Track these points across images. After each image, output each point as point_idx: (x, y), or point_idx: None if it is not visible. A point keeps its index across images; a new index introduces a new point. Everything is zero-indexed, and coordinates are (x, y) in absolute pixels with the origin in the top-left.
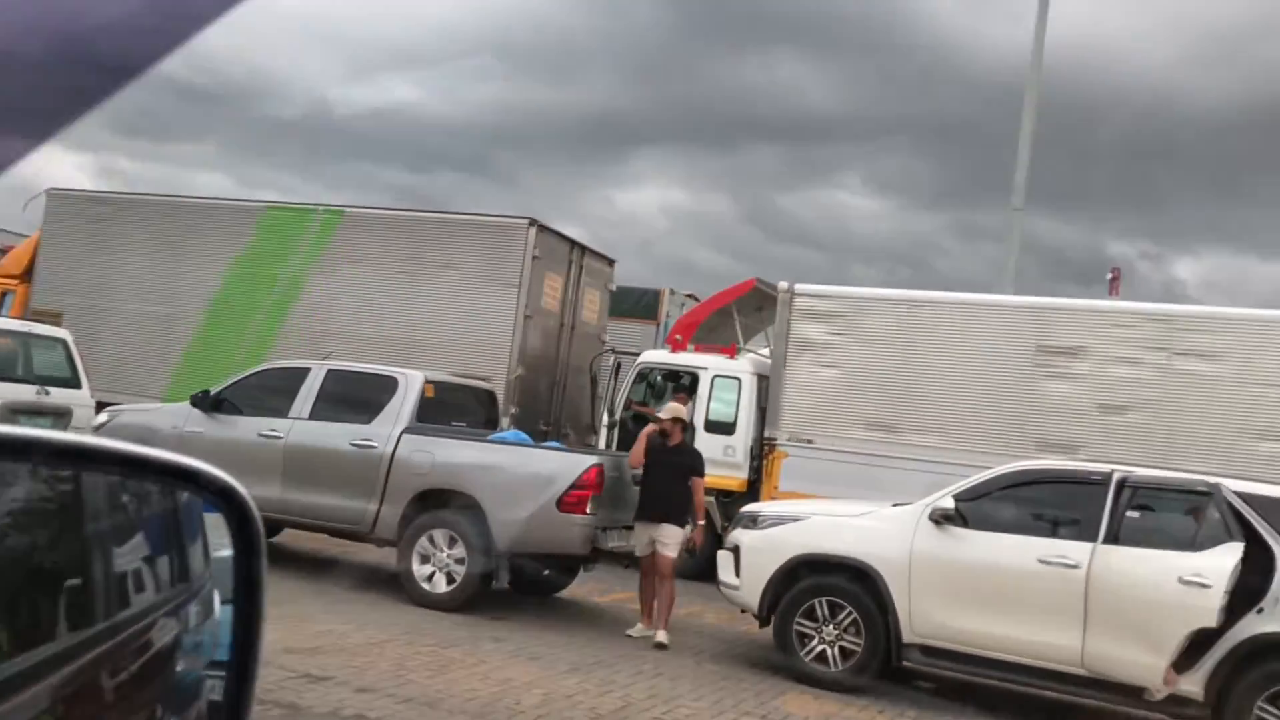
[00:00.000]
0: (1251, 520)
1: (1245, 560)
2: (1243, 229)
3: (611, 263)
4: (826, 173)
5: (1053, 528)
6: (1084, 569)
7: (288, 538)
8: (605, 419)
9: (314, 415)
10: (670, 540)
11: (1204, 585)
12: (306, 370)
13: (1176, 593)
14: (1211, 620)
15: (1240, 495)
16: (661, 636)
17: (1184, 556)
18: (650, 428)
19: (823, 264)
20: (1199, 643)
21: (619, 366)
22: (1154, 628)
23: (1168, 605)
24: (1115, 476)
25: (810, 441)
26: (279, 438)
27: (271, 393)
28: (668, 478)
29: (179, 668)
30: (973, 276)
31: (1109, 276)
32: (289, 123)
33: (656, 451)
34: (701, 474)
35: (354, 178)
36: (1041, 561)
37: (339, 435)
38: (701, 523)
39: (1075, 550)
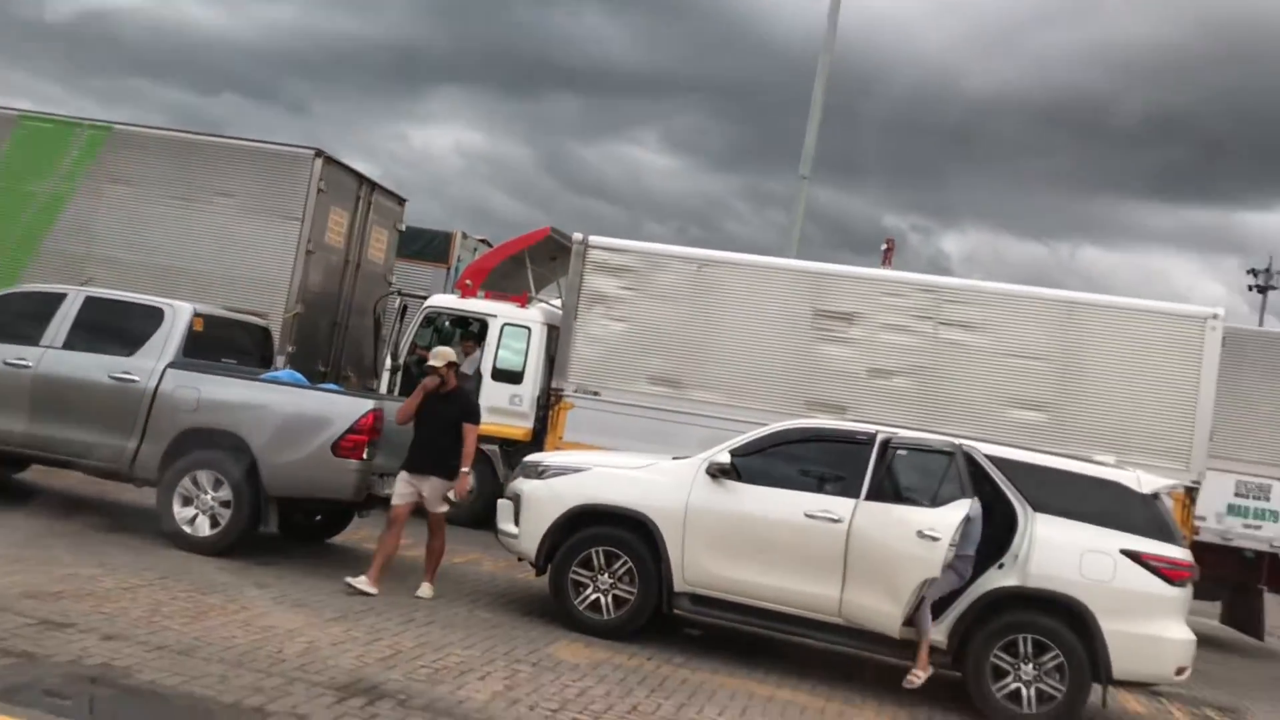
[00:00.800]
0: (999, 481)
1: (995, 519)
2: (1004, 209)
3: (402, 201)
4: (625, 127)
5: (820, 484)
6: (846, 523)
7: (36, 474)
8: (388, 363)
9: (69, 345)
10: (437, 495)
11: (934, 538)
12: (62, 296)
13: (914, 545)
14: (935, 571)
15: (991, 458)
16: (425, 590)
17: (924, 512)
18: (429, 381)
19: (617, 218)
20: (948, 596)
21: (405, 309)
22: (895, 579)
23: (906, 557)
24: (879, 437)
25: (597, 393)
26: (27, 366)
27: (21, 318)
28: (437, 427)
29: None
30: (761, 240)
31: (883, 247)
32: (54, 27)
33: (428, 399)
34: (475, 421)
35: (128, 93)
36: (808, 516)
37: (96, 367)
38: (467, 470)
39: (839, 505)
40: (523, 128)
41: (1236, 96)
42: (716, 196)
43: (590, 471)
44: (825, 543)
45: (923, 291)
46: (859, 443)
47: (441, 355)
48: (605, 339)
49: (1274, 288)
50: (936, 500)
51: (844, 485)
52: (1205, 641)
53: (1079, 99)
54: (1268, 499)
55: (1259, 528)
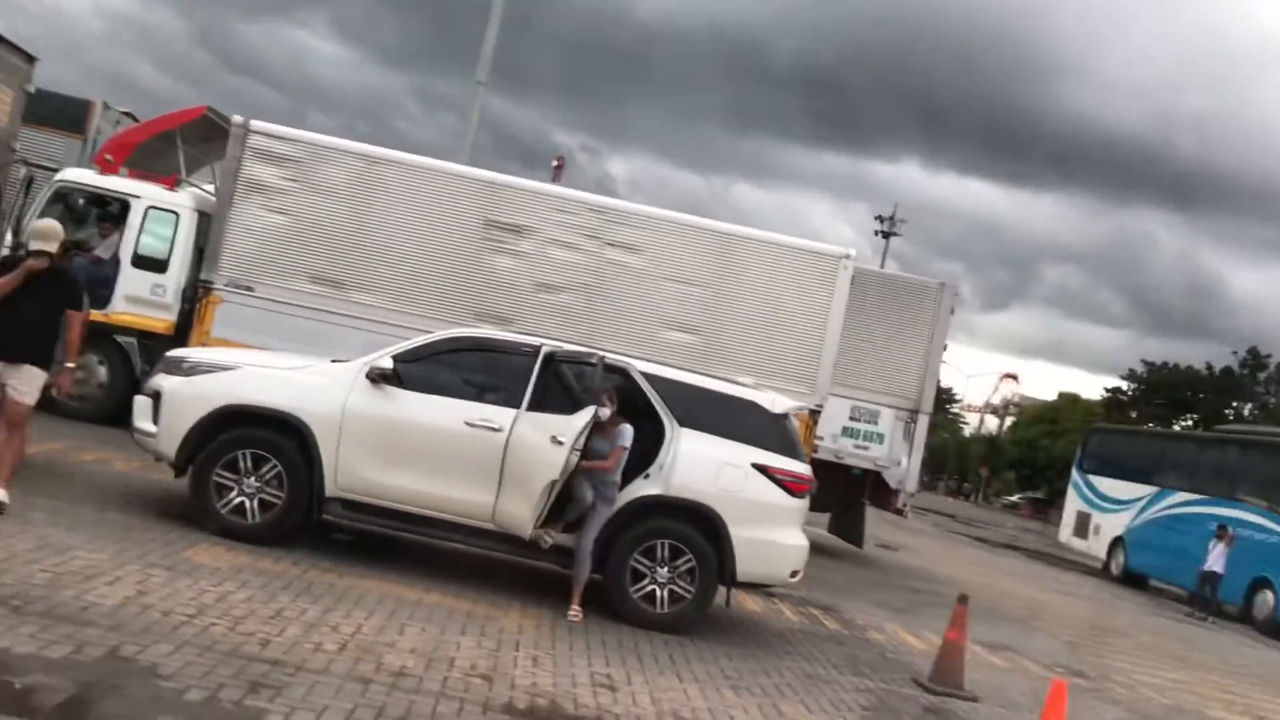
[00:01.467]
0: (651, 397)
1: (647, 433)
2: (668, 139)
3: (31, 60)
4: (291, 7)
5: (482, 393)
6: (506, 433)
7: None
8: (8, 240)
9: None
10: (30, 386)
11: (560, 443)
12: None
13: (547, 450)
14: (555, 473)
15: (645, 375)
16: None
17: (561, 420)
18: (33, 263)
19: (278, 103)
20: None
21: (31, 181)
22: (531, 482)
23: (541, 463)
24: (544, 349)
25: (250, 289)
26: None
27: None
28: (37, 311)
29: None
30: (431, 143)
31: (554, 164)
32: None
33: (29, 279)
34: (79, 306)
35: None
36: (469, 424)
37: None
38: (72, 364)
39: (500, 415)
40: None
41: (877, 56)
42: (387, 93)
43: (240, 370)
44: (484, 450)
45: (592, 211)
46: (523, 355)
47: (49, 234)
48: (263, 231)
49: (896, 234)
50: (573, 409)
51: (506, 395)
52: (814, 549)
53: (741, 39)
54: (876, 423)
55: (867, 449)
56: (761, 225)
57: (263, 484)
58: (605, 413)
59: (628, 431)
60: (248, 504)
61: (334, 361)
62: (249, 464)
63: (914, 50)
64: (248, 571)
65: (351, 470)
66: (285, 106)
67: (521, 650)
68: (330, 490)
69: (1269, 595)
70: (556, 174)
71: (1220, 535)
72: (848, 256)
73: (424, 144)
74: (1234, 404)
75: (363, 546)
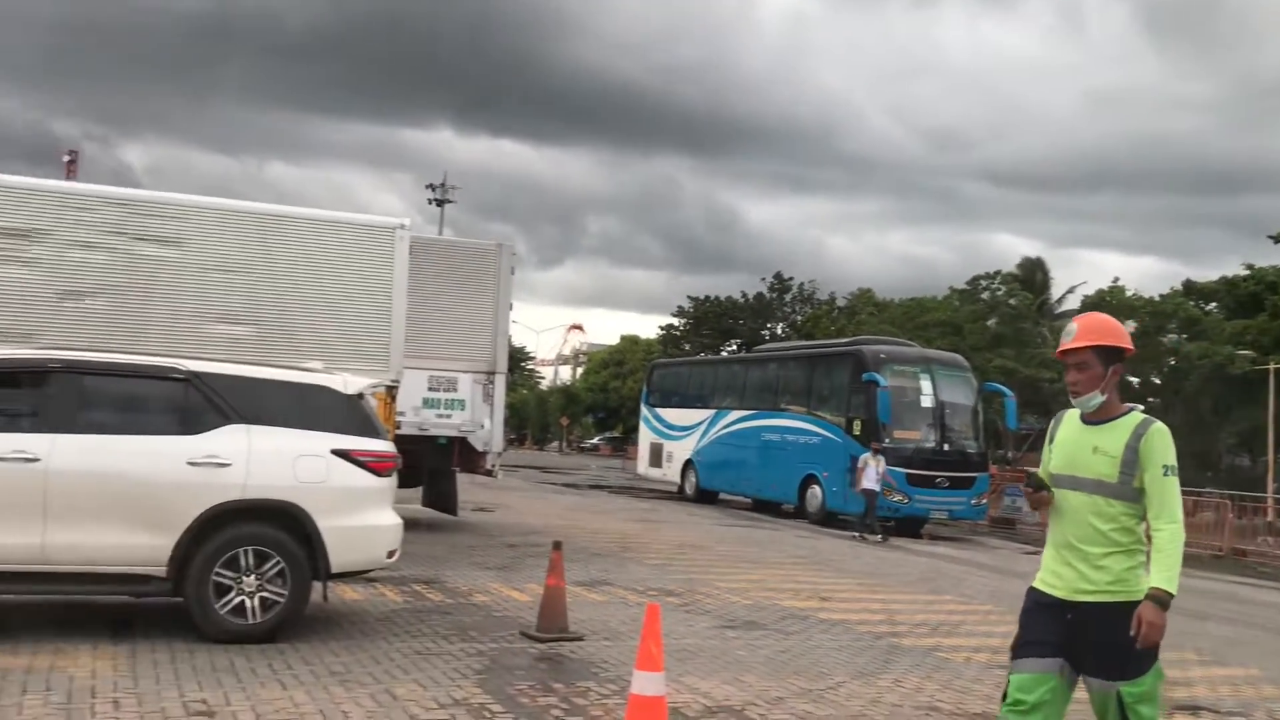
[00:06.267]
0: (210, 395)
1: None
2: (187, 121)
3: None
4: None
5: (10, 421)
6: (44, 462)
7: None
8: None
9: None
10: None
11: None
12: None
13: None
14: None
15: (198, 374)
16: None
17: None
18: None
19: None
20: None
21: None
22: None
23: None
24: (76, 362)
25: None
26: None
27: None
28: None
29: None
30: None
31: (65, 159)
32: None
33: None
34: None
35: None
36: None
37: None
38: None
39: (35, 443)
40: None
41: (389, 20)
42: None
43: None
44: (22, 484)
45: (115, 205)
46: (50, 371)
47: None
48: None
49: (450, 201)
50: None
51: (39, 420)
52: (410, 525)
53: (246, 6)
54: (456, 390)
55: (450, 416)
56: (306, 204)
57: None
58: None
59: None
60: None
61: None
62: None
63: (426, 12)
64: None
65: None
66: None
67: (98, 696)
68: None
69: (817, 490)
70: (70, 170)
71: (874, 453)
72: (402, 226)
73: None
74: (768, 325)
75: None
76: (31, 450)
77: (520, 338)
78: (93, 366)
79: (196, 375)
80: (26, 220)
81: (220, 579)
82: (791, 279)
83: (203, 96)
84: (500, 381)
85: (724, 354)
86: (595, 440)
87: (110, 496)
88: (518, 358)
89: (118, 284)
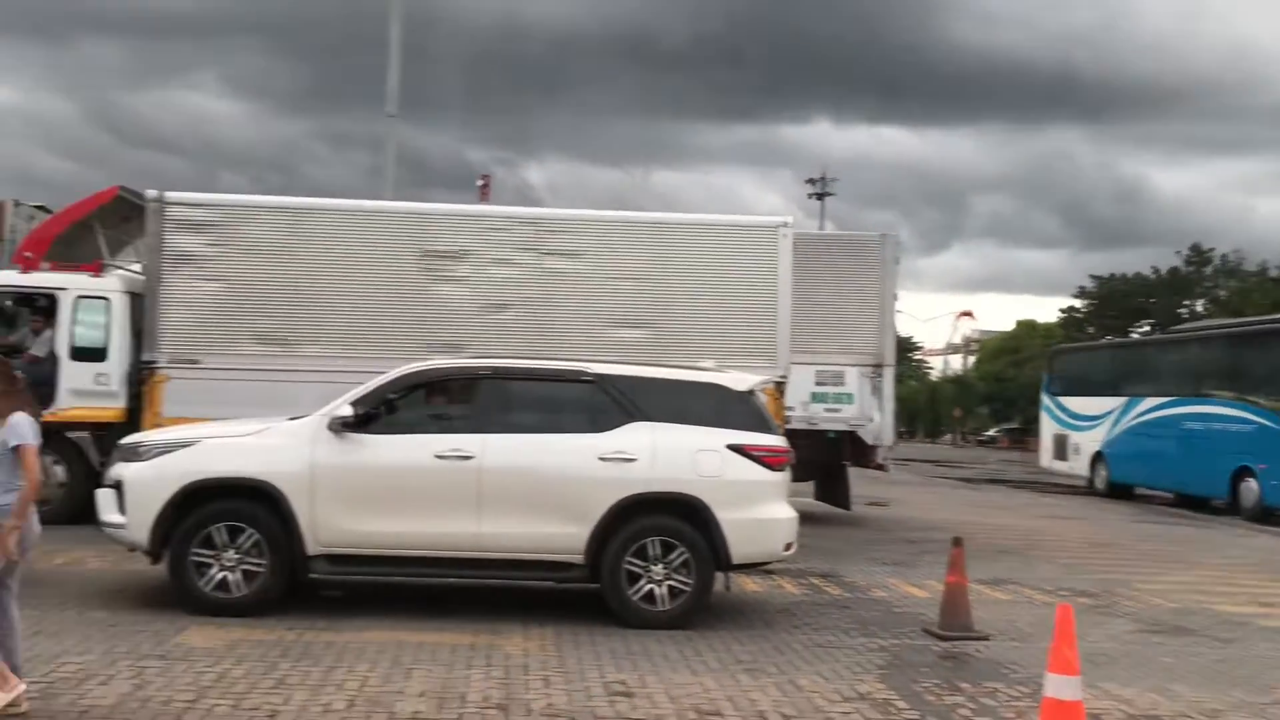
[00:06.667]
0: (614, 395)
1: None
2: (579, 139)
3: None
4: (178, 72)
5: (448, 423)
6: (478, 459)
7: None
8: None
9: None
10: None
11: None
12: None
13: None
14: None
15: (603, 376)
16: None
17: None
18: None
19: (186, 170)
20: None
21: None
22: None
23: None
24: (503, 369)
25: (195, 362)
26: None
27: None
28: None
29: None
30: (346, 183)
31: (479, 183)
32: None
33: None
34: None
35: None
36: (439, 457)
37: None
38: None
39: (469, 442)
40: (60, 79)
41: (763, 19)
42: (291, 140)
43: (200, 444)
44: (459, 480)
45: (525, 224)
46: (481, 377)
47: None
48: (198, 302)
49: (830, 194)
50: (600, 425)
51: (471, 422)
52: (805, 519)
53: (630, 26)
54: (843, 384)
55: (838, 410)
56: (691, 208)
57: (242, 555)
58: None
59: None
60: (230, 578)
61: (292, 419)
62: (225, 537)
63: (797, 6)
64: (243, 646)
65: (330, 525)
66: (193, 172)
67: (530, 673)
68: (312, 549)
69: (1252, 483)
70: (483, 193)
71: None
72: (785, 224)
73: (337, 185)
74: (1185, 303)
75: (356, 598)
76: (467, 449)
77: (906, 328)
78: (516, 372)
79: (603, 377)
80: (455, 242)
81: (631, 567)
82: (1212, 250)
83: (595, 115)
84: (888, 374)
85: (1134, 336)
86: (993, 432)
87: (533, 490)
88: (905, 348)
89: (531, 296)
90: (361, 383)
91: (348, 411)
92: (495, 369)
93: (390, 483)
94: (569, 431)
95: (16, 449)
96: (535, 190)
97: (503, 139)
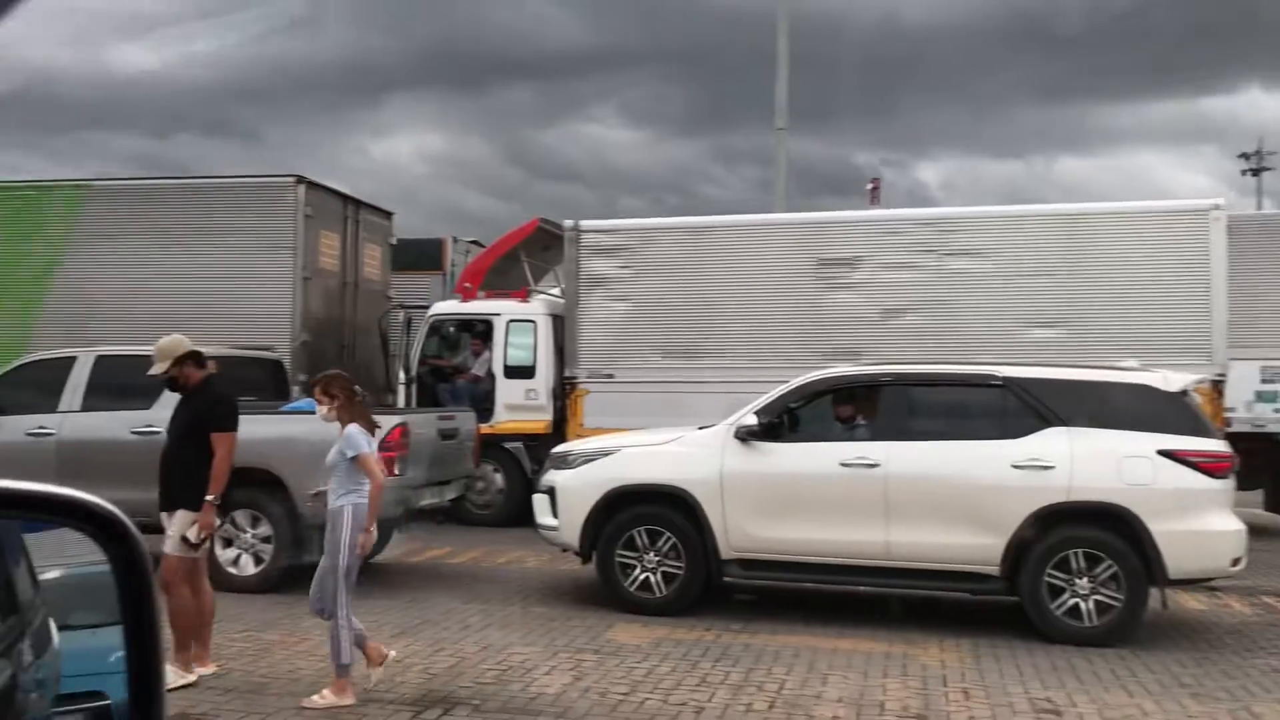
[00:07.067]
0: (1031, 401)
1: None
2: (971, 131)
3: (389, 215)
4: (581, 107)
5: (850, 431)
6: (883, 467)
7: None
8: (402, 377)
9: (86, 407)
10: (176, 533)
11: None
12: (72, 360)
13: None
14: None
15: (1017, 380)
16: (182, 677)
17: (1006, 444)
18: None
19: (589, 198)
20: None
21: (409, 322)
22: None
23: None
24: (903, 376)
25: (610, 376)
26: (50, 434)
27: (35, 388)
28: (170, 444)
29: (25, 713)
30: (740, 199)
31: (869, 187)
32: (3, 96)
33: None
34: (228, 426)
35: (88, 148)
36: (844, 465)
37: (118, 424)
38: (213, 497)
39: (874, 450)
40: (479, 123)
41: None
42: (686, 162)
43: (619, 453)
44: (865, 489)
45: (923, 225)
46: (882, 385)
47: (164, 352)
48: (611, 320)
49: (1268, 168)
50: (1011, 430)
51: (875, 429)
52: (1253, 531)
53: (1019, 12)
54: None
55: None
56: (1100, 197)
57: (662, 557)
58: (321, 411)
59: (355, 436)
60: (651, 579)
61: (702, 428)
62: (645, 540)
63: None
64: (666, 644)
65: (741, 530)
66: (595, 199)
67: (950, 685)
68: (725, 553)
69: None
70: (873, 197)
71: None
72: (1217, 206)
73: (734, 201)
74: None
75: (767, 602)
76: (871, 457)
77: None
78: (918, 378)
79: (1013, 381)
80: (848, 249)
81: (1052, 580)
82: None
83: (988, 105)
84: None
85: None
86: None
87: (941, 499)
88: None
89: (931, 299)
90: (762, 392)
91: (752, 421)
92: (897, 375)
93: (796, 490)
94: (977, 438)
95: (355, 459)
96: (928, 189)
97: (891, 140)
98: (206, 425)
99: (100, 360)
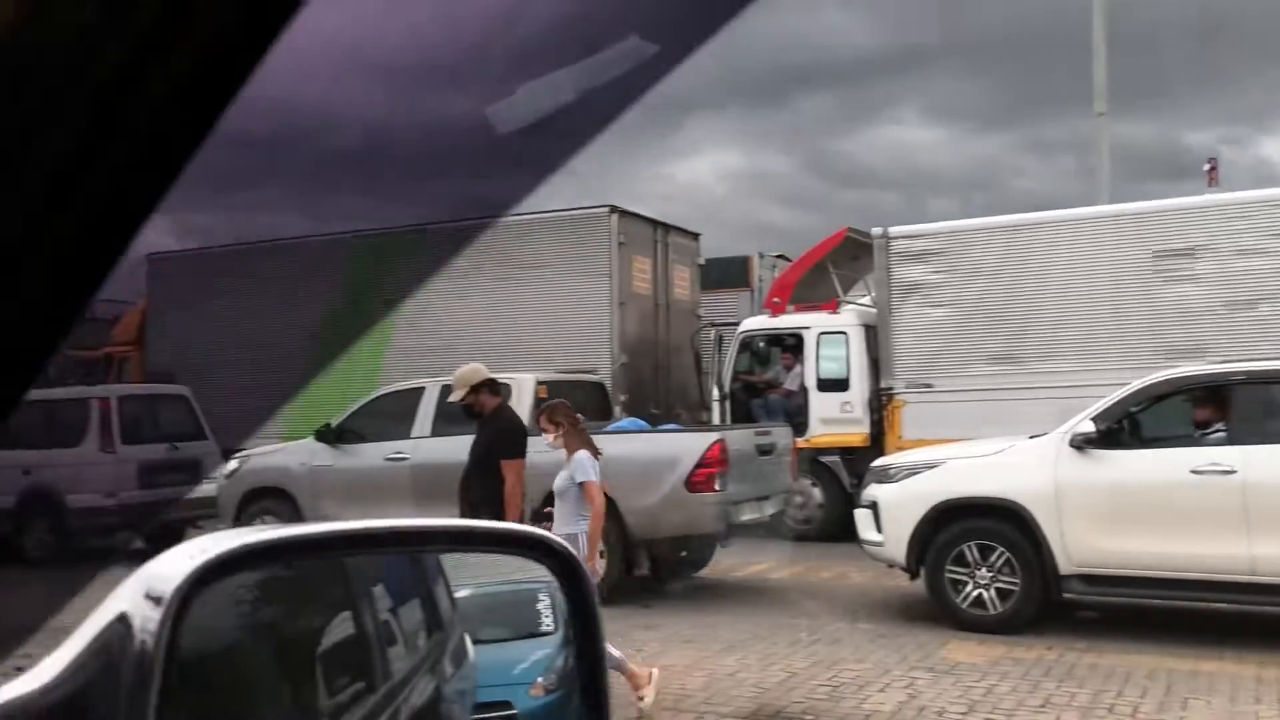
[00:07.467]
0: None
1: None
2: None
3: (696, 237)
4: (880, 110)
5: (1201, 435)
6: (1239, 474)
7: None
8: (715, 393)
9: (435, 432)
10: None
11: None
12: (421, 389)
13: None
14: None
15: None
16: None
17: None
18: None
19: (895, 203)
20: None
21: (720, 339)
22: None
23: None
24: (1264, 372)
25: (929, 386)
26: (405, 459)
27: (390, 416)
28: (467, 469)
29: None
30: (1054, 191)
31: (1206, 168)
32: (349, 152)
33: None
34: (516, 453)
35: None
36: (1195, 472)
37: (464, 449)
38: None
39: (1227, 455)
40: (776, 137)
41: None
42: (993, 157)
43: (944, 466)
44: (1219, 497)
45: (1273, 207)
46: (1236, 384)
47: (462, 380)
48: (927, 328)
49: None
50: None
51: (1226, 433)
52: None
53: None
54: None
55: None
56: None
57: (995, 573)
58: (548, 439)
59: (585, 462)
60: (985, 595)
61: (1032, 437)
62: (976, 555)
63: None
64: (1005, 663)
65: (1082, 544)
66: (900, 203)
67: None
68: (1065, 568)
69: None
70: (1210, 178)
71: None
72: None
73: (1044, 194)
74: None
75: (1112, 619)
76: (1226, 462)
77: None
78: (1276, 376)
79: None
80: (1187, 238)
81: None
82: None
83: None
84: None
85: None
86: None
87: None
88: None
89: None
90: (1095, 396)
91: (1089, 427)
92: (1252, 374)
93: (1141, 500)
94: None
95: (582, 485)
96: (1276, 167)
97: (1229, 115)
98: (496, 453)
99: (445, 389)
